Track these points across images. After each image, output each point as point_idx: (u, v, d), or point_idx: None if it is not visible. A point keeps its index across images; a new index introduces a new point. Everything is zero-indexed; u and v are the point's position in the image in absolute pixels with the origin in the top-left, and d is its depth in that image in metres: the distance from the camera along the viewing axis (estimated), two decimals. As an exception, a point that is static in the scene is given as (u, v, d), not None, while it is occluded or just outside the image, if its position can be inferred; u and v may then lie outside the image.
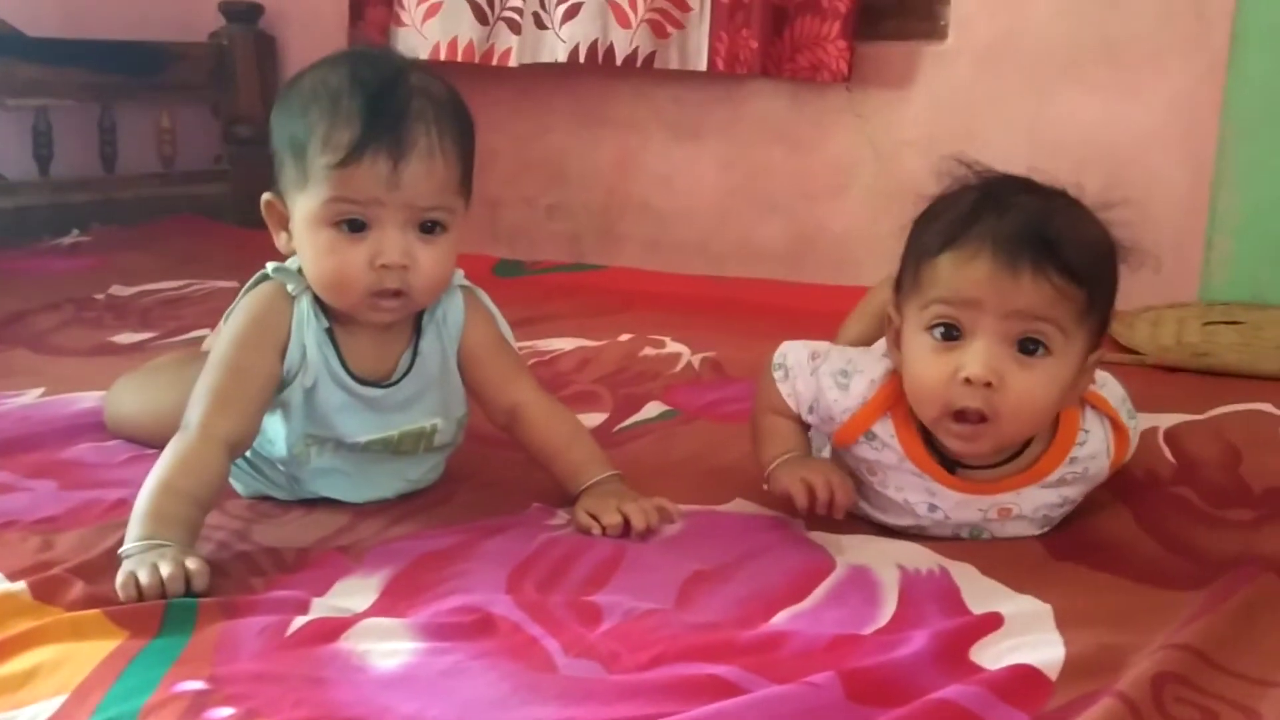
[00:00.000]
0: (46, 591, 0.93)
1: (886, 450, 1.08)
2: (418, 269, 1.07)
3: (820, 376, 1.12)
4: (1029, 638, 0.89)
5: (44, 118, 2.65)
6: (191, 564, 0.94)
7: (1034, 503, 1.08)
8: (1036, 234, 0.97)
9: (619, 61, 2.42)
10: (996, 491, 1.07)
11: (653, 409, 1.52)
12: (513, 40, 2.51)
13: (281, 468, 1.16)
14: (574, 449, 1.17)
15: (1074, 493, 1.11)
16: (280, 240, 1.12)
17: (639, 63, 2.40)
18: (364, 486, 1.17)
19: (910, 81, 2.32)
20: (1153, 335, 1.87)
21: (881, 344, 1.12)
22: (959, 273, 0.99)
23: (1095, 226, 1.02)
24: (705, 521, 1.14)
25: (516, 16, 2.50)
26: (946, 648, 0.87)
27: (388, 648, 0.86)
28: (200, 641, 0.87)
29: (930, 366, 1.01)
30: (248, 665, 0.84)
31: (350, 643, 0.87)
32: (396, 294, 1.08)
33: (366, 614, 0.93)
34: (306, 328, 1.11)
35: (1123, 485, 1.21)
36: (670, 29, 2.39)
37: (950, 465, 1.07)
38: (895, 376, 1.08)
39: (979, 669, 0.85)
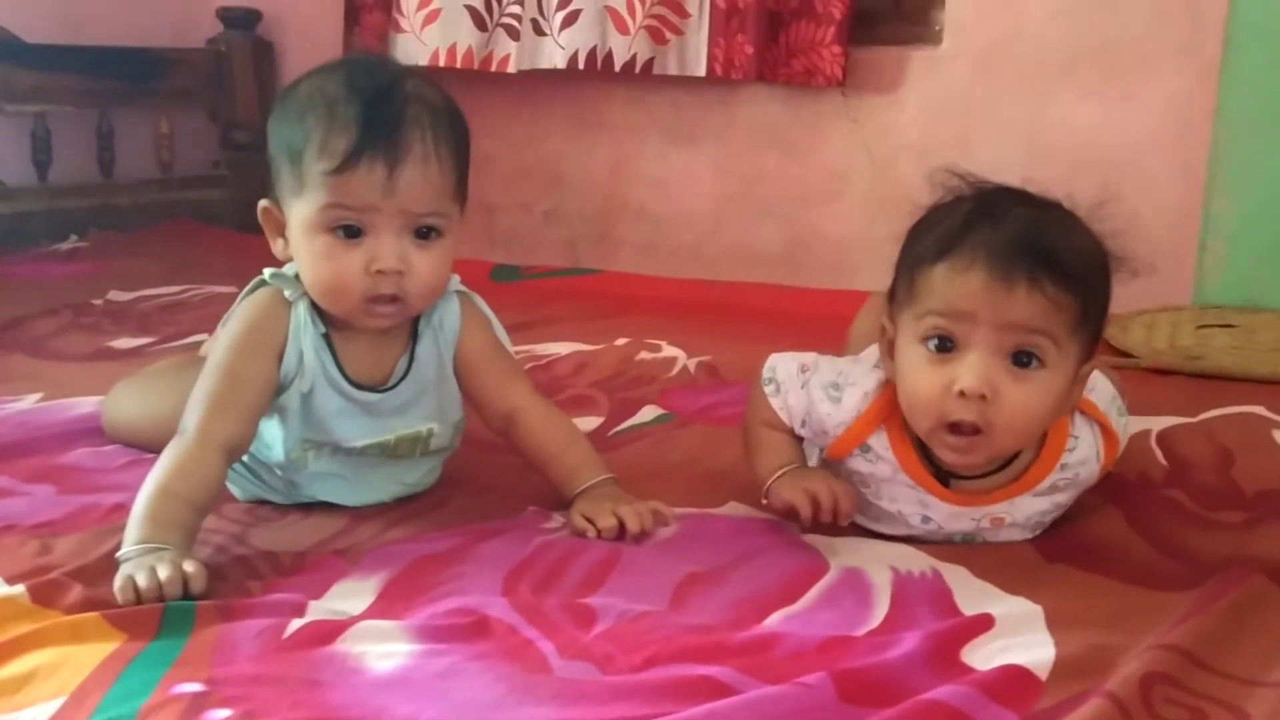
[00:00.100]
0: (45, 595, 0.94)
1: (881, 463, 1.09)
2: (413, 274, 1.08)
3: (811, 390, 1.12)
4: (1020, 639, 0.90)
5: (42, 124, 2.65)
6: (189, 567, 0.95)
7: (1026, 511, 1.09)
8: (1031, 246, 0.97)
9: (618, 68, 2.42)
10: (989, 502, 1.08)
11: (648, 413, 1.52)
12: (511, 47, 2.52)
13: (279, 472, 1.16)
14: (569, 453, 1.18)
15: (1065, 498, 1.11)
16: (277, 246, 1.13)
17: (637, 69, 2.41)
18: (361, 490, 1.18)
19: (905, 86, 2.33)
20: (1147, 338, 1.88)
21: (872, 354, 1.12)
22: (953, 285, 0.99)
23: (1089, 237, 1.02)
24: (700, 524, 1.15)
25: (515, 23, 2.51)
26: (938, 649, 0.87)
27: (384, 650, 0.87)
28: (198, 644, 0.88)
29: (925, 378, 1.01)
30: (245, 667, 0.84)
31: (347, 645, 0.88)
32: (393, 299, 1.09)
33: (363, 616, 0.93)
34: (303, 333, 1.11)
35: (1115, 487, 1.22)
36: (669, 35, 2.40)
37: (944, 478, 1.07)
38: (889, 388, 1.07)
39: (970, 670, 0.85)
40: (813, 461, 1.19)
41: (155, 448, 1.10)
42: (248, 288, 1.15)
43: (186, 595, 0.94)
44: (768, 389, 1.15)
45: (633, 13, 2.40)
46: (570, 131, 2.66)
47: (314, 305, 1.12)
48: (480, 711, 0.80)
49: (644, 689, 0.82)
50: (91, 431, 1.40)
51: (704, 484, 1.26)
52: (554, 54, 2.47)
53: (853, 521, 1.14)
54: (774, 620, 0.95)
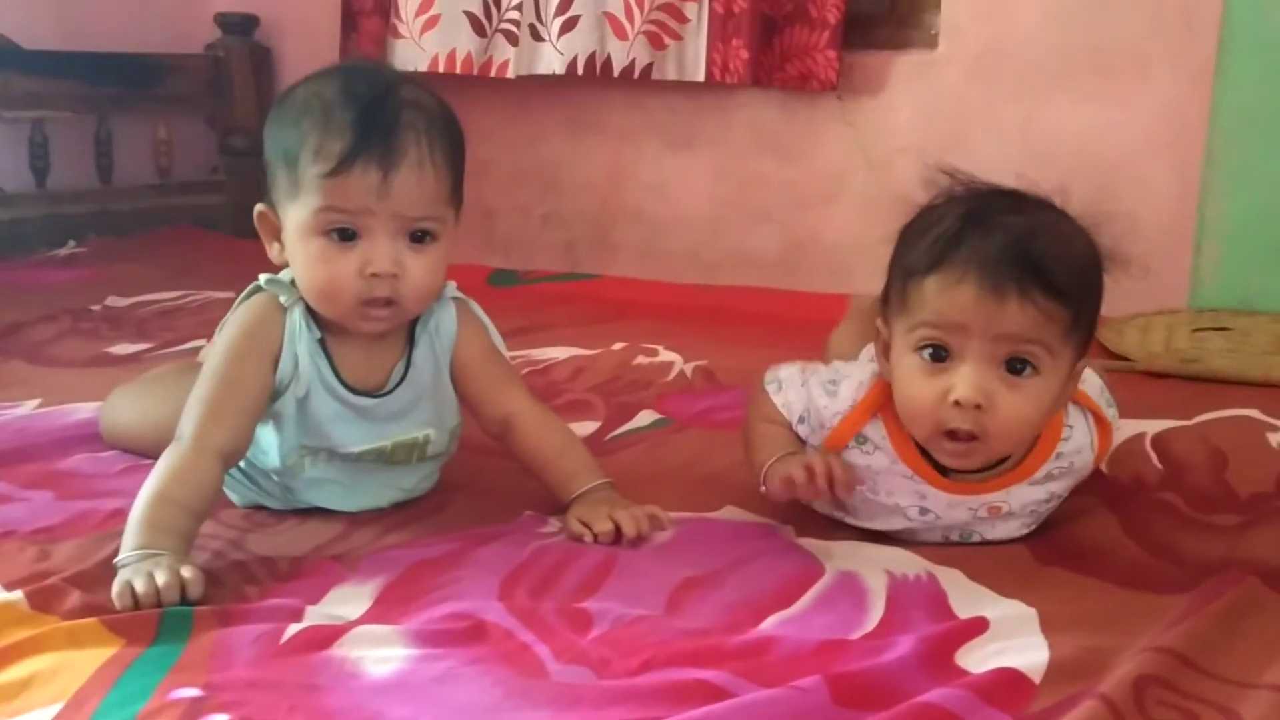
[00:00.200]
0: (43, 600, 0.94)
1: (878, 453, 1.09)
2: (407, 278, 1.09)
3: (810, 387, 1.14)
4: (1014, 641, 0.90)
5: (40, 130, 2.65)
6: (186, 573, 0.95)
7: (1022, 500, 1.10)
8: (1021, 257, 0.98)
9: (616, 73, 2.43)
10: (986, 491, 1.08)
11: (645, 417, 1.53)
12: (510, 52, 2.52)
13: (275, 478, 1.17)
14: (566, 458, 1.18)
15: (1060, 488, 1.12)
16: (273, 251, 1.14)
17: (636, 74, 2.42)
18: (358, 496, 1.18)
19: (901, 90, 2.33)
20: (1142, 342, 1.88)
21: (868, 352, 1.13)
22: (945, 297, 1.00)
23: (1080, 241, 1.02)
24: (696, 529, 1.15)
25: (514, 28, 2.51)
26: (932, 652, 0.88)
27: (381, 654, 0.87)
28: (195, 649, 0.88)
29: (920, 388, 1.02)
30: (242, 672, 0.85)
31: (344, 650, 0.88)
32: (387, 303, 1.09)
33: (360, 621, 0.94)
34: (299, 338, 1.12)
35: (1109, 490, 1.22)
36: (668, 40, 2.41)
37: (942, 467, 1.08)
38: (883, 380, 1.09)
39: (964, 673, 0.86)
40: None
41: (153, 453, 1.11)
42: (243, 293, 1.16)
43: (184, 601, 0.94)
44: (770, 388, 1.16)
45: (631, 18, 2.41)
46: (568, 136, 2.66)
47: (309, 310, 1.12)
48: (477, 715, 0.80)
49: (640, 693, 0.82)
50: (90, 437, 1.40)
51: (700, 488, 1.26)
52: (552, 59, 2.48)
53: (848, 523, 1.14)
54: (769, 624, 0.95)
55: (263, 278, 1.15)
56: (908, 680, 0.84)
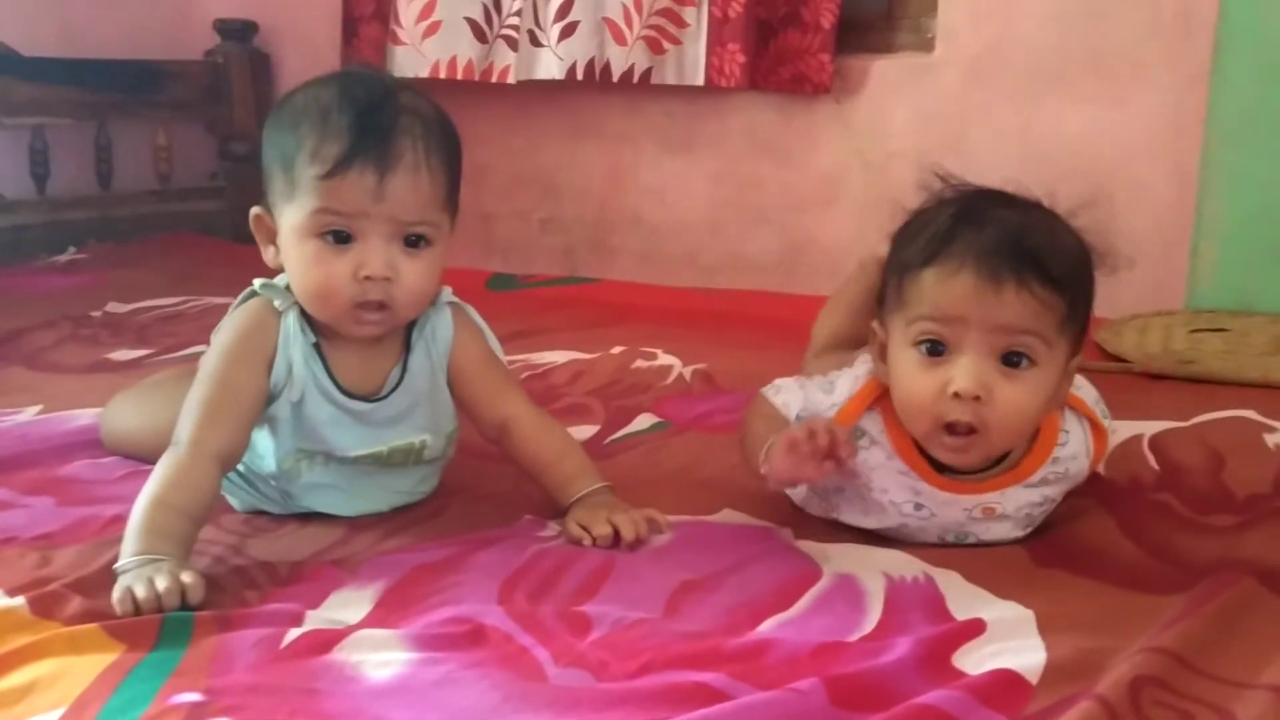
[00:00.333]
0: (44, 606, 0.94)
1: (875, 448, 1.10)
2: (401, 282, 1.09)
3: (807, 388, 1.16)
4: (1011, 643, 0.90)
5: (40, 136, 2.66)
6: (187, 578, 0.96)
7: (1017, 502, 1.10)
8: (1016, 248, 0.99)
9: (615, 78, 2.43)
10: (981, 490, 1.09)
11: (644, 421, 1.53)
12: (511, 58, 2.52)
13: (273, 483, 1.17)
14: (564, 462, 1.19)
15: (1054, 492, 1.13)
16: (268, 254, 1.14)
17: (635, 79, 2.42)
18: (356, 500, 1.19)
19: (898, 93, 2.34)
20: (1139, 343, 1.89)
21: (863, 354, 1.14)
22: (942, 289, 1.01)
23: (1070, 235, 1.04)
24: (694, 532, 1.16)
25: (514, 34, 2.52)
26: (930, 653, 0.88)
27: (381, 658, 0.88)
28: (196, 654, 0.88)
29: (919, 382, 1.03)
30: (243, 677, 0.85)
31: (344, 654, 0.88)
32: (380, 306, 1.10)
33: (360, 625, 0.94)
34: (293, 342, 1.12)
35: (1106, 491, 1.23)
36: (667, 45, 2.41)
37: (938, 465, 1.09)
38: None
39: (961, 674, 0.86)
40: (798, 488, 1.19)
41: (154, 459, 1.11)
42: (239, 298, 1.16)
43: (184, 606, 0.95)
44: (768, 391, 1.18)
45: (630, 23, 2.41)
46: (566, 140, 2.67)
47: (304, 315, 1.13)
48: (476, 719, 0.80)
49: (638, 695, 0.82)
50: (90, 443, 1.41)
51: (699, 491, 1.27)
52: (551, 65, 2.48)
53: (843, 521, 1.15)
54: (768, 626, 0.96)
55: (257, 282, 1.15)
56: (905, 682, 0.84)
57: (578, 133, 2.65)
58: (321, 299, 1.10)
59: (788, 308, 2.21)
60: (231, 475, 1.16)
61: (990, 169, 1.09)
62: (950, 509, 1.10)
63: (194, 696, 0.82)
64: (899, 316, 1.05)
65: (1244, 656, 0.88)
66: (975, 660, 0.88)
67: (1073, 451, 1.10)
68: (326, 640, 0.90)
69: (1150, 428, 1.43)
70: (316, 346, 1.13)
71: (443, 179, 1.10)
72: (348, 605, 0.99)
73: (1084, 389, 1.14)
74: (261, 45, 2.97)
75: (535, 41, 2.50)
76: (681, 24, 2.40)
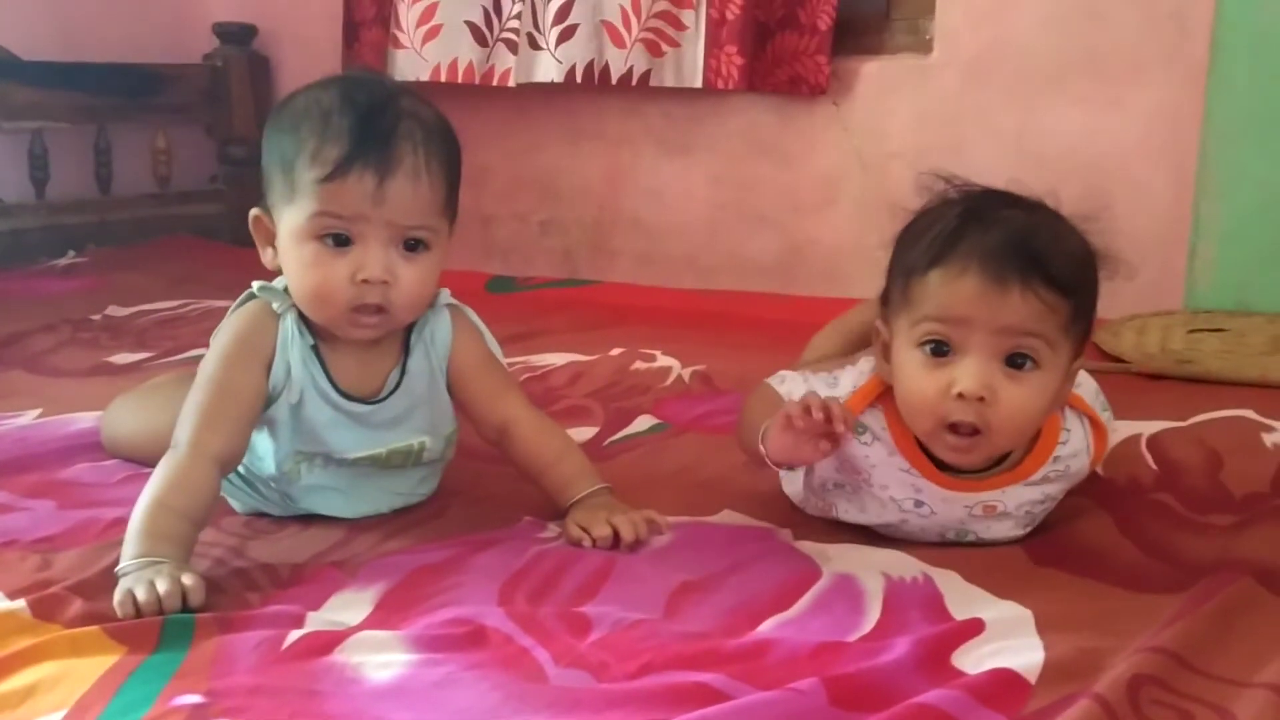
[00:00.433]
0: (45, 609, 0.95)
1: (877, 445, 1.10)
2: (399, 286, 1.09)
3: (811, 381, 1.16)
4: (1010, 642, 0.91)
5: (40, 140, 2.66)
6: (187, 580, 0.96)
7: (1018, 500, 1.10)
8: (1022, 249, 0.99)
9: (614, 81, 2.44)
10: (983, 489, 1.09)
11: (643, 422, 1.53)
12: (511, 61, 2.53)
13: (273, 485, 1.17)
14: (564, 463, 1.19)
15: (1055, 490, 1.13)
16: (266, 256, 1.14)
17: (634, 81, 2.43)
18: (356, 502, 1.19)
19: (896, 95, 2.34)
20: (1138, 343, 1.89)
21: (868, 353, 1.15)
22: (947, 290, 1.01)
23: (1076, 237, 1.04)
24: (694, 533, 1.16)
25: (514, 37, 2.52)
26: (929, 653, 0.88)
27: (382, 660, 0.88)
28: (197, 656, 0.89)
29: (923, 382, 1.03)
30: (244, 679, 0.85)
31: (345, 655, 0.89)
32: (377, 310, 1.10)
33: (361, 627, 0.94)
34: (291, 345, 1.12)
35: (1104, 491, 1.23)
36: (665, 47, 2.42)
37: (940, 462, 1.09)
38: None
39: (960, 674, 0.86)
40: (794, 486, 1.20)
41: (154, 462, 1.11)
42: (237, 301, 1.17)
43: (185, 608, 0.95)
44: (773, 381, 1.18)
45: (628, 26, 2.42)
46: (565, 143, 2.67)
47: (302, 317, 1.13)
48: (477, 719, 0.81)
49: (638, 696, 0.83)
50: (90, 446, 1.41)
51: (698, 492, 1.27)
52: (550, 68, 2.49)
53: (842, 518, 1.15)
54: (767, 627, 0.96)
55: (256, 284, 1.15)
56: (904, 681, 0.85)
57: (577, 135, 2.65)
58: (319, 301, 1.10)
59: (787, 309, 2.22)
60: (232, 477, 1.16)
61: (988, 170, 1.10)
62: (951, 506, 1.10)
63: (195, 698, 0.82)
64: (904, 316, 1.05)
65: (1242, 656, 0.88)
66: (974, 660, 0.89)
67: (1074, 449, 1.11)
68: (327, 642, 0.90)
69: (1148, 428, 1.43)
70: (315, 349, 1.14)
71: (442, 184, 1.11)
72: (348, 607, 0.99)
73: (1083, 385, 1.14)
74: (261, 49, 2.98)
75: (534, 44, 2.51)
76: (679, 26, 2.41)
